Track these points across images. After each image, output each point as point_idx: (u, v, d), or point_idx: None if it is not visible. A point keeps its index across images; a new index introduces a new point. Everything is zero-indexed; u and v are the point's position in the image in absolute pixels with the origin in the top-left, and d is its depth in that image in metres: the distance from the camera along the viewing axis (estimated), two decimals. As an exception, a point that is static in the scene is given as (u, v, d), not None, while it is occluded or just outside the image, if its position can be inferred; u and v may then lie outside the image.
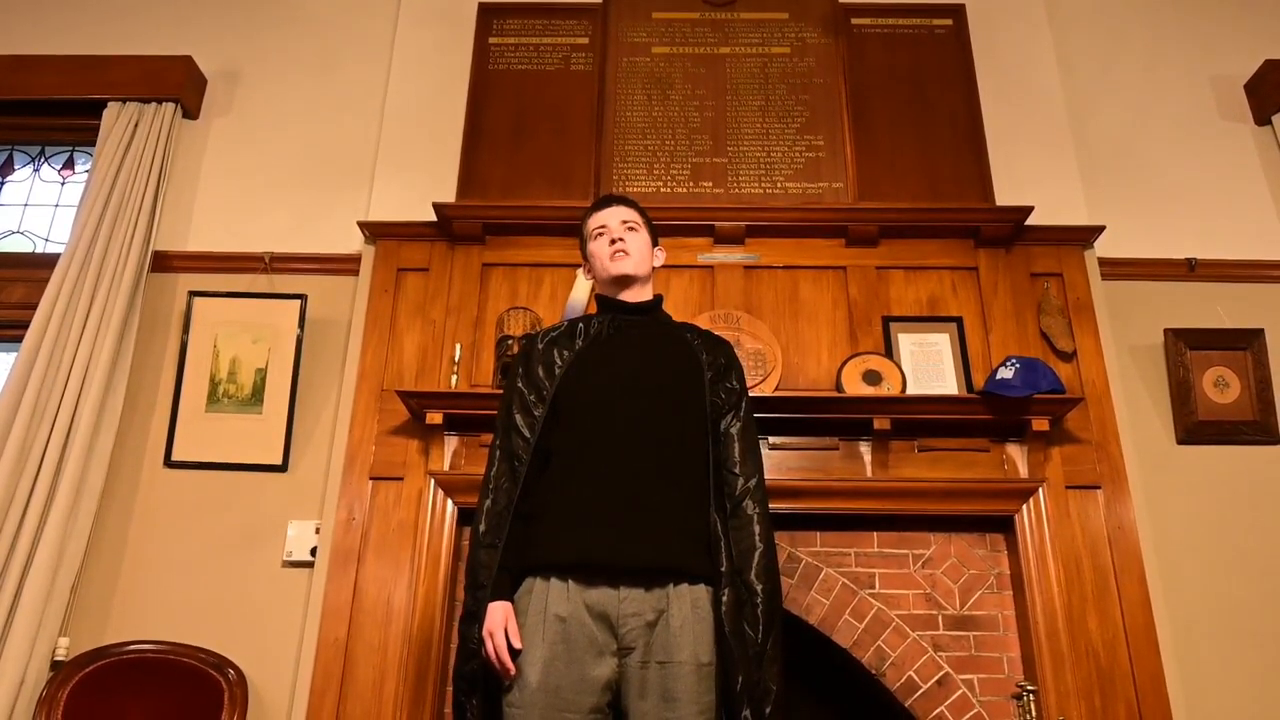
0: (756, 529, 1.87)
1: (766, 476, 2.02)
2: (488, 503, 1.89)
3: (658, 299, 2.10)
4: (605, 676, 1.73)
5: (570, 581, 1.76)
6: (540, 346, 2.02)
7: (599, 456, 1.84)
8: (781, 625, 1.84)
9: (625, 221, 2.07)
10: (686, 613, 1.76)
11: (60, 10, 3.61)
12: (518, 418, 1.94)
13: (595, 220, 2.10)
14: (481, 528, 1.87)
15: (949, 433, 2.75)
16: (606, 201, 2.14)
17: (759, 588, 1.82)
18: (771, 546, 1.87)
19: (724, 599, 1.78)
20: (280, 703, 2.64)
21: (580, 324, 2.05)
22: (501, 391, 2.05)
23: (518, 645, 1.75)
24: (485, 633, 1.76)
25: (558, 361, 1.97)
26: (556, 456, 1.88)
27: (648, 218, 2.15)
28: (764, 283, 2.99)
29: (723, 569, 1.81)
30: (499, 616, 1.76)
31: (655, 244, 2.14)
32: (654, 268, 2.12)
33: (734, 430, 1.96)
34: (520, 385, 1.98)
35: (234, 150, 3.35)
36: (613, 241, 2.04)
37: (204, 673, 2.59)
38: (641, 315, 2.05)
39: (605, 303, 2.07)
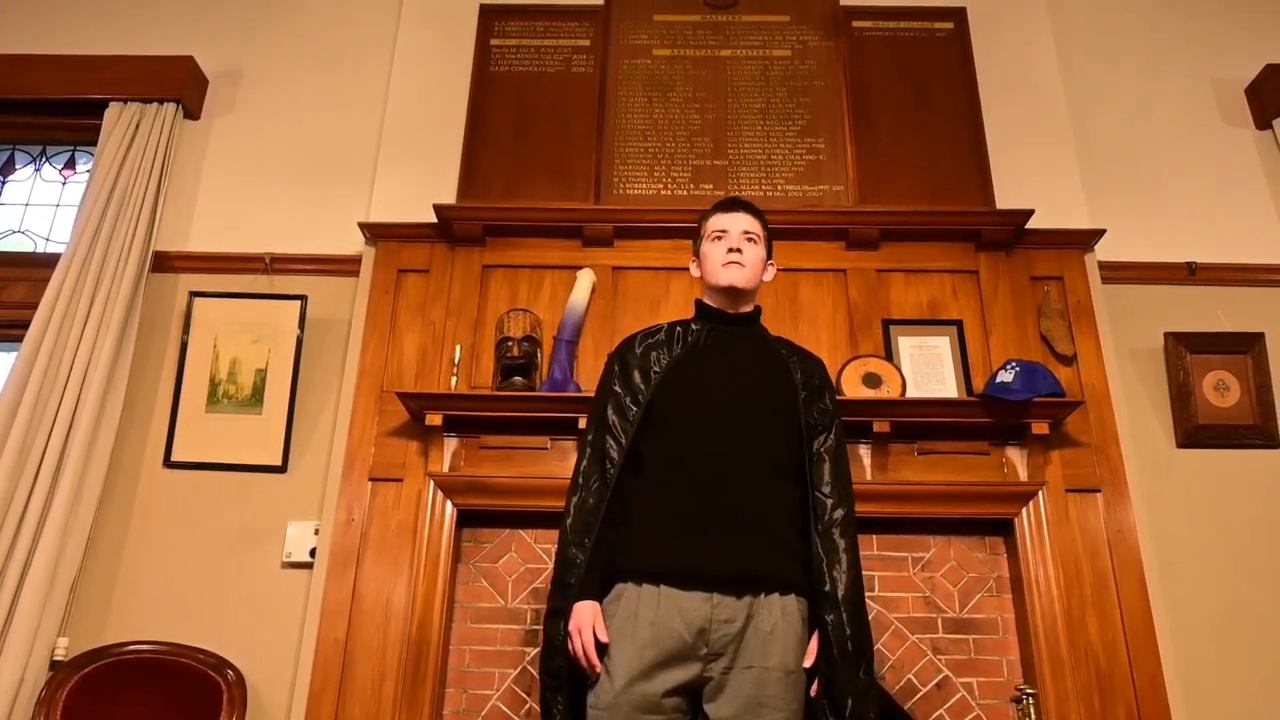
0: (844, 558, 1.85)
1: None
2: (575, 500, 1.89)
3: (757, 310, 2.08)
4: (690, 681, 1.74)
5: (662, 586, 1.77)
6: (638, 350, 2.01)
7: (693, 465, 1.84)
8: (872, 654, 1.83)
9: (746, 232, 2.03)
10: (776, 619, 1.77)
11: (62, 10, 3.62)
12: (613, 419, 1.93)
13: (717, 222, 2.06)
14: (569, 522, 1.88)
15: (949, 436, 2.75)
16: (734, 205, 2.08)
17: (846, 617, 1.80)
18: (858, 575, 1.87)
19: (830, 620, 1.78)
20: (279, 704, 2.64)
21: (678, 329, 2.03)
22: (594, 394, 2.04)
23: (604, 639, 1.76)
24: (573, 629, 1.77)
25: (654, 367, 1.96)
26: (649, 462, 1.88)
27: (768, 229, 2.10)
28: (764, 285, 2.99)
29: (825, 589, 1.81)
30: (587, 615, 1.78)
31: (769, 257, 2.10)
32: (762, 282, 2.08)
33: (825, 451, 1.95)
34: (616, 387, 1.97)
35: (235, 151, 3.36)
36: (729, 250, 2.01)
37: (203, 673, 2.58)
38: (740, 326, 2.04)
39: (705, 310, 2.06)
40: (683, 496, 1.82)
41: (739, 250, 2.01)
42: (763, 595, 1.78)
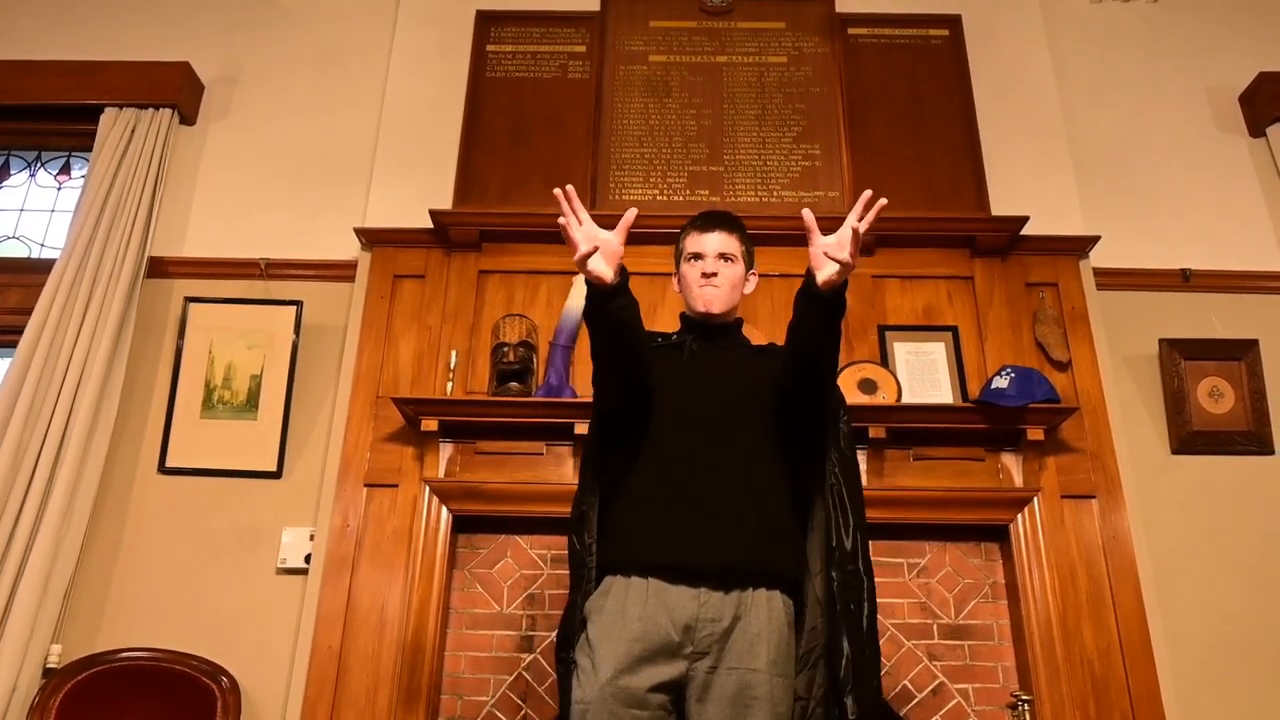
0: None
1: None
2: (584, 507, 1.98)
3: (738, 322, 2.10)
4: (675, 679, 1.75)
5: (651, 580, 1.79)
6: None
7: (679, 464, 1.86)
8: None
9: (722, 254, 2.01)
10: (763, 620, 1.78)
11: (58, 15, 3.61)
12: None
13: (693, 243, 2.04)
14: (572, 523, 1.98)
15: (944, 442, 2.75)
16: (710, 224, 2.05)
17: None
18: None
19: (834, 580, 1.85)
20: (274, 711, 2.62)
21: (658, 339, 2.06)
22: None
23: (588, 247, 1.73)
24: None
25: None
26: (638, 465, 1.90)
27: (748, 241, 2.08)
28: (760, 291, 2.95)
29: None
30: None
31: (751, 267, 2.09)
32: (744, 295, 2.08)
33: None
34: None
35: (230, 156, 3.35)
36: (703, 275, 2.01)
37: (197, 680, 2.58)
38: (721, 336, 2.05)
39: (688, 322, 2.08)
40: (669, 495, 1.84)
41: (714, 275, 2.00)
42: (750, 590, 1.79)
